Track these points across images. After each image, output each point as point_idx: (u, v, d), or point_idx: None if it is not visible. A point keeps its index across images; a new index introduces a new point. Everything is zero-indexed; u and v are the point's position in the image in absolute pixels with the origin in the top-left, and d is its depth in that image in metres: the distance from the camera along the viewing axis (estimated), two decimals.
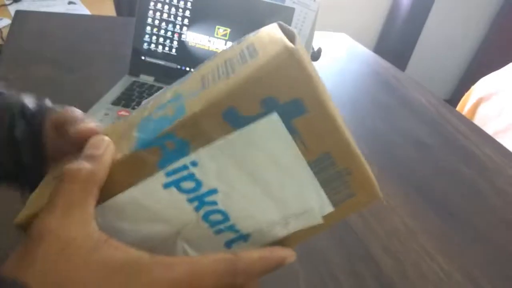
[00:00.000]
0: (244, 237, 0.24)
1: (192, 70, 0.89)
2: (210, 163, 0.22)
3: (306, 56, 0.21)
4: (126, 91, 0.76)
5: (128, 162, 0.22)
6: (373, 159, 0.70)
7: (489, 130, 0.93)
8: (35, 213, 0.22)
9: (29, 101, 0.32)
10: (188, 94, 0.23)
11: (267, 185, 0.23)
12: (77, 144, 0.24)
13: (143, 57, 0.81)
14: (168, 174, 0.22)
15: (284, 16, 0.75)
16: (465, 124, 0.87)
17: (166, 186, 0.22)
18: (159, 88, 0.79)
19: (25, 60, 0.86)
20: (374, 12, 2.32)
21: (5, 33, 1.19)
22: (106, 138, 0.23)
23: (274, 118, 0.21)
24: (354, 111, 0.86)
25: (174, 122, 0.21)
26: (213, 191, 0.22)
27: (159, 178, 0.22)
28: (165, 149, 0.21)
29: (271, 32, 0.23)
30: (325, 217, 0.24)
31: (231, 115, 0.20)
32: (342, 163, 0.23)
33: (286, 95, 0.20)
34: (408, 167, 0.70)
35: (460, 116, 0.91)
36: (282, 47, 0.20)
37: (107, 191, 0.22)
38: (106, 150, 0.22)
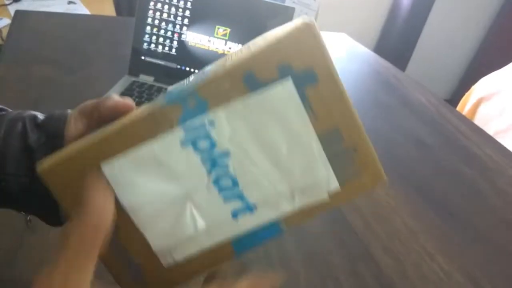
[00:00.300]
0: (250, 208, 0.25)
1: (192, 70, 0.89)
2: (225, 124, 0.23)
3: (320, 34, 0.23)
4: (125, 91, 0.76)
5: (151, 117, 0.23)
6: None
7: (490, 130, 0.93)
8: (58, 162, 0.23)
9: (38, 112, 0.32)
10: (213, 66, 0.24)
11: (277, 153, 0.24)
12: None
13: (143, 57, 0.81)
14: (186, 131, 0.23)
15: (284, 15, 0.75)
16: (466, 124, 0.87)
17: (183, 143, 0.23)
18: (159, 88, 0.79)
19: (25, 60, 0.86)
20: (374, 12, 2.32)
21: (5, 33, 1.19)
22: (103, 183, 0.22)
23: (288, 84, 0.22)
24: None
25: (197, 82, 0.23)
26: (226, 154, 0.24)
27: (178, 134, 0.23)
28: (186, 106, 0.23)
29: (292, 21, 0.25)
30: (330, 196, 0.25)
31: (249, 78, 0.22)
32: (349, 139, 0.24)
33: (300, 63, 0.22)
34: (409, 167, 0.70)
35: (460, 116, 0.91)
36: (301, 22, 0.22)
37: (128, 145, 0.23)
38: (108, 199, 0.22)
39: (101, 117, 0.29)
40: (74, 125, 0.30)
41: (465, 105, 1.23)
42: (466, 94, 1.24)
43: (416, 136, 0.80)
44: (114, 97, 0.27)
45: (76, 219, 0.21)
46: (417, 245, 0.53)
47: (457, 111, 0.94)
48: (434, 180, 0.67)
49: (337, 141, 0.24)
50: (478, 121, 1.13)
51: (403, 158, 0.72)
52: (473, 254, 0.53)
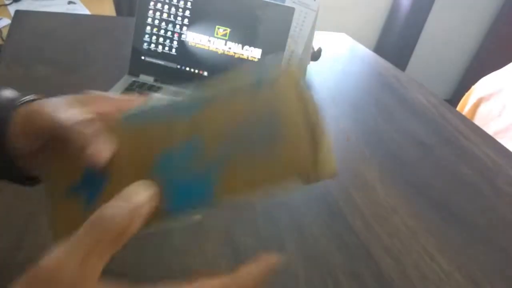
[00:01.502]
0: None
1: (192, 70, 0.88)
2: None
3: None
4: (125, 91, 0.76)
5: None
6: (374, 159, 0.70)
7: (490, 130, 0.94)
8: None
9: None
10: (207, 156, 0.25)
11: None
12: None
13: (143, 57, 0.81)
14: None
15: (284, 16, 0.75)
16: (466, 124, 0.87)
17: None
18: (159, 88, 0.79)
19: (25, 60, 0.86)
20: (374, 12, 2.32)
21: (5, 33, 1.19)
22: (143, 191, 0.22)
23: None
24: (354, 112, 0.86)
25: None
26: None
27: None
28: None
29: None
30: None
31: None
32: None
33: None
34: (409, 167, 0.70)
35: (460, 116, 0.91)
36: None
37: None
38: (146, 203, 0.21)
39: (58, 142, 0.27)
40: (20, 140, 0.28)
41: (465, 105, 1.23)
42: (466, 94, 1.25)
43: (416, 136, 0.80)
44: (92, 147, 0.25)
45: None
46: (417, 245, 0.53)
47: (457, 111, 0.94)
48: (434, 180, 0.67)
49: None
50: (478, 121, 1.13)
51: (403, 158, 0.72)
52: (473, 254, 0.53)
